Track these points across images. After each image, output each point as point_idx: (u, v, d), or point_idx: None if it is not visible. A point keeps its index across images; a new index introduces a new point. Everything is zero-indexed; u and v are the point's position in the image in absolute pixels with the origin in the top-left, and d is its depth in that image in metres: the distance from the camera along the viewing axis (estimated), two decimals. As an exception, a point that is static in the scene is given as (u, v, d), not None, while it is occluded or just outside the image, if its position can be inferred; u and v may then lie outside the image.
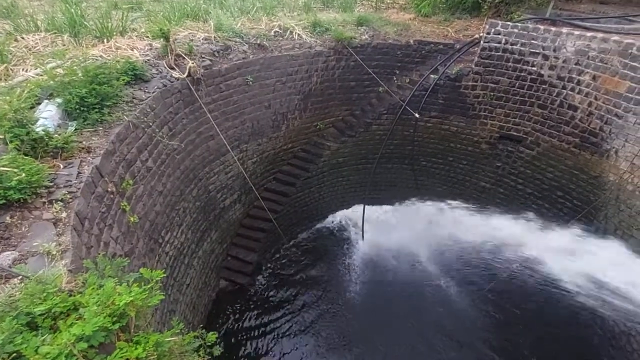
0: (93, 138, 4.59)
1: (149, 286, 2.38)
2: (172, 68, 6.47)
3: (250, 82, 8.13)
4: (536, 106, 8.98)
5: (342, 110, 10.54)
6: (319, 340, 8.33)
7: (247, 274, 9.31)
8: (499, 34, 8.77)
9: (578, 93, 8.15)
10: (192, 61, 6.69)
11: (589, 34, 7.78)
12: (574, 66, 8.04)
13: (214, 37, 7.76)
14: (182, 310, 6.68)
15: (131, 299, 2.20)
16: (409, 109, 9.69)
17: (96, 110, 4.83)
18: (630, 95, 7.24)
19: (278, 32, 8.93)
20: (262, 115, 8.91)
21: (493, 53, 8.97)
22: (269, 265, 10.19)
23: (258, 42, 8.32)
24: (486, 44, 8.96)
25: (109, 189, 4.42)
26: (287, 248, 10.74)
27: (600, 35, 7.63)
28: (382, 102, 10.24)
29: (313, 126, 10.33)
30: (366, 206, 10.75)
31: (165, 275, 2.71)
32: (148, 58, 6.40)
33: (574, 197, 8.72)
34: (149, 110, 5.59)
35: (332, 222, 11.58)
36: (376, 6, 12.09)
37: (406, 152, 10.75)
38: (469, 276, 9.61)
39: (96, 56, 6.04)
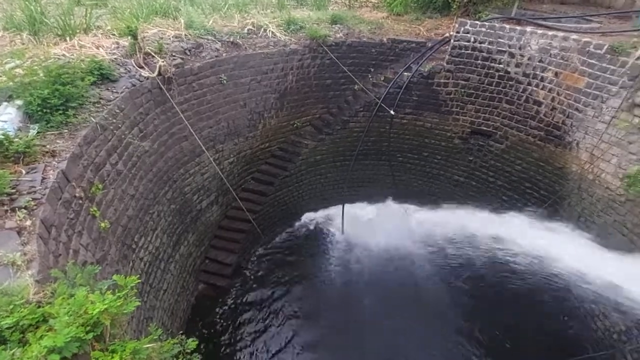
0: (58, 141, 4.37)
1: (123, 293, 2.30)
2: (141, 67, 6.24)
3: (225, 81, 7.99)
4: (504, 102, 9.37)
5: (319, 108, 10.56)
6: (302, 340, 8.31)
7: (226, 276, 9.17)
8: (468, 33, 9.07)
9: (542, 89, 8.58)
10: (163, 60, 6.49)
11: (550, 32, 8.20)
12: (537, 63, 8.45)
13: (185, 34, 7.55)
14: (159, 317, 6.50)
15: (105, 307, 2.13)
16: (384, 106, 9.85)
17: (60, 112, 4.59)
18: (588, 90, 7.70)
19: (252, 29, 8.81)
20: (238, 115, 8.78)
21: (463, 51, 9.27)
22: (249, 266, 10.08)
23: (231, 40, 8.18)
24: (456, 42, 9.24)
25: (77, 194, 4.21)
26: (267, 248, 10.66)
27: (561, 34, 8.06)
28: (358, 99, 10.34)
29: (290, 125, 10.29)
30: (345, 203, 10.85)
31: (140, 281, 2.63)
32: (115, 57, 6.15)
33: (540, 188, 9.18)
34: (117, 111, 5.37)
35: (312, 219, 11.60)
36: (349, 4, 12.18)
37: (383, 148, 10.93)
38: (446, 267, 9.90)
39: (58, 55, 5.73)
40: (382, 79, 10.25)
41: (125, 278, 2.43)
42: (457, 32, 9.17)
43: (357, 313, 8.88)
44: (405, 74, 9.79)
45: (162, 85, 6.41)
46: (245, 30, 8.67)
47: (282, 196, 10.70)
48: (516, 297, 8.55)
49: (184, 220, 7.86)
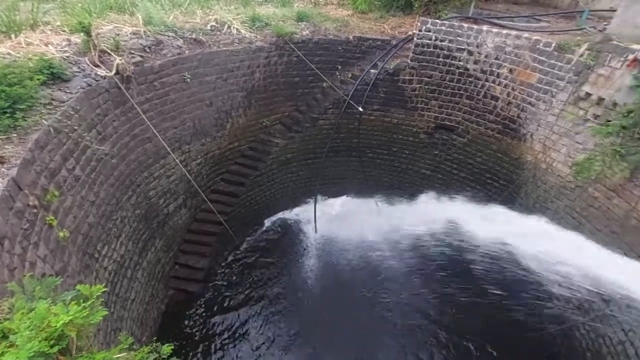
0: (6, 146, 4.02)
1: (89, 303, 2.18)
2: (97, 65, 5.88)
3: (188, 79, 7.72)
4: (465, 97, 9.83)
5: (288, 106, 10.50)
6: (277, 341, 8.24)
7: (198, 281, 8.91)
8: (430, 31, 9.40)
9: (498, 85, 9.09)
10: (120, 58, 6.14)
11: (504, 31, 8.69)
12: (494, 60, 8.94)
13: (144, 31, 7.20)
14: (128, 327, 6.19)
15: (70, 318, 2.01)
16: (352, 103, 9.98)
17: (7, 114, 4.23)
18: (540, 85, 8.26)
19: (215, 26, 8.57)
20: (204, 114, 8.52)
21: (425, 49, 9.59)
22: (222, 269, 9.85)
23: (194, 36, 7.91)
24: (419, 40, 9.55)
25: (31, 203, 3.91)
26: (240, 250, 10.46)
27: (514, 32, 8.57)
28: (326, 97, 10.40)
29: (259, 123, 10.15)
30: (317, 200, 10.89)
31: (106, 290, 2.50)
32: (67, 55, 5.74)
33: (500, 178, 9.74)
34: (72, 112, 5.03)
35: (285, 218, 11.55)
36: (315, 2, 12.18)
37: (353, 145, 11.08)
38: (417, 257, 10.23)
39: (3, 54, 5.27)
40: (350, 76, 10.37)
41: (90, 287, 2.29)
42: (420, 31, 9.47)
43: (332, 312, 8.90)
44: (372, 71, 9.97)
45: (120, 85, 6.07)
46: (209, 27, 8.41)
47: (253, 196, 10.55)
48: (482, 281, 9.01)
49: (150, 225, 7.53)
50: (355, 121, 10.57)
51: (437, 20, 9.39)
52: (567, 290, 7.61)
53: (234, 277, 9.65)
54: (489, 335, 8.43)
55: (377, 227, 10.59)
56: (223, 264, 9.96)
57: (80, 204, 5.05)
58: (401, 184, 11.62)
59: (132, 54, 6.59)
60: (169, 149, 7.43)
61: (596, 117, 7.30)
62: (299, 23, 9.85)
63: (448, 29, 9.24)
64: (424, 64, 9.78)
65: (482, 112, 9.65)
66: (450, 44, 9.32)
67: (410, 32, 10.06)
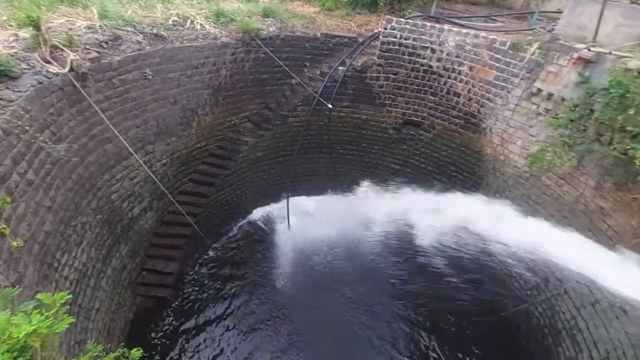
0: (-58, 150, 3.65)
1: (52, 311, 2.05)
2: (49, 62, 5.47)
3: (150, 76, 7.38)
4: (429, 94, 10.20)
5: (257, 104, 10.34)
6: (252, 344, 8.14)
7: (168, 286, 8.59)
8: (395, 30, 9.65)
9: (460, 82, 9.53)
10: (74, 53, 5.76)
11: (464, 30, 9.11)
12: (455, 58, 9.35)
13: (99, 25, 6.78)
14: (94, 338, 5.86)
15: (33, 328, 1.89)
16: (322, 100, 10.03)
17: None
18: (497, 82, 8.76)
19: (177, 21, 8.25)
20: (169, 112, 8.19)
21: (391, 47, 9.83)
22: (193, 272, 9.56)
23: (154, 31, 7.57)
24: (384, 38, 9.77)
25: (-24, 211, 3.58)
26: (212, 251, 10.21)
27: (472, 31, 9.01)
28: (295, 94, 10.36)
29: (227, 121, 9.92)
30: (290, 197, 10.86)
31: (68, 298, 2.37)
32: (14, 51, 5.29)
33: (463, 170, 10.23)
34: (22, 112, 4.65)
35: (257, 217, 11.40)
36: (281, -2, 12.05)
37: (323, 141, 11.14)
38: (388, 248, 10.51)
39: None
40: (318, 73, 10.40)
41: (53, 295, 2.16)
42: (385, 29, 9.69)
43: (307, 312, 8.90)
44: (340, 68, 10.07)
45: (75, 82, 5.69)
46: (170, 22, 8.08)
47: (224, 196, 10.32)
48: (448, 266, 9.48)
49: (114, 230, 7.15)
50: (325, 118, 10.64)
51: (401, 19, 9.66)
52: (524, 272, 8.19)
53: (206, 280, 9.41)
54: (452, 320, 8.89)
55: (348, 221, 10.75)
56: (194, 267, 9.67)
57: (35, 211, 4.69)
58: (372, 179, 11.82)
59: (88, 49, 6.20)
60: (131, 150, 7.08)
61: (547, 111, 7.86)
62: (265, 19, 9.72)
63: (412, 28, 9.53)
64: (390, 61, 10.02)
65: (446, 108, 10.08)
66: (414, 42, 9.62)
67: (376, 30, 10.26)
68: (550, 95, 7.74)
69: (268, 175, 11.17)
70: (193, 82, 8.46)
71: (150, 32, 7.50)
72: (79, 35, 6.29)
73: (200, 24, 8.52)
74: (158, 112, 7.89)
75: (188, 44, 8.01)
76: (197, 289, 9.14)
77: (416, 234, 9.24)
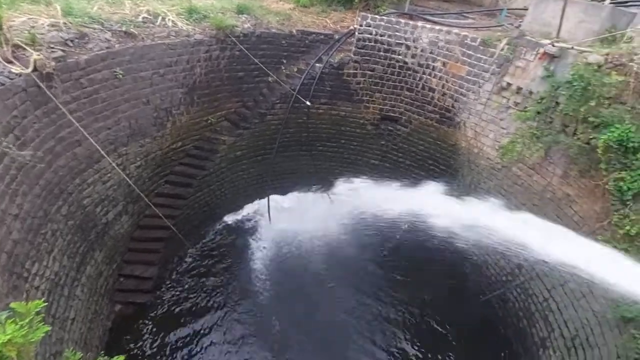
0: None
1: (27, 320, 1.98)
2: (10, 62, 5.17)
3: (121, 76, 7.12)
4: (405, 90, 10.39)
5: (233, 102, 10.19)
6: (236, 345, 8.03)
7: (147, 291, 8.36)
8: (370, 26, 9.75)
9: (434, 77, 9.76)
10: (38, 53, 5.46)
11: (437, 27, 9.33)
12: (429, 55, 9.56)
13: (64, 23, 6.45)
14: (71, 350, 5.62)
15: (8, 337, 1.83)
16: (300, 97, 10.00)
17: None
18: (469, 77, 9.04)
19: (147, 18, 7.98)
20: (141, 113, 7.93)
21: (367, 43, 9.93)
22: (173, 276, 9.34)
23: (124, 29, 7.29)
24: (360, 35, 9.85)
25: None
26: (192, 253, 10.00)
27: (445, 28, 9.24)
28: (273, 91, 10.28)
29: (204, 121, 9.72)
30: (270, 195, 10.82)
31: (43, 306, 2.28)
32: (-31, 48, 4.96)
33: (440, 163, 10.51)
34: (-20, 115, 4.38)
35: (238, 217, 11.27)
36: (255, -6, 11.88)
37: (302, 139, 11.13)
38: (370, 240, 10.65)
39: None
40: (295, 70, 10.37)
41: (27, 304, 2.08)
42: (360, 25, 9.78)
43: (292, 311, 8.83)
44: (317, 65, 10.07)
45: (40, 83, 5.41)
46: (140, 19, 7.81)
47: (203, 197, 10.13)
48: (428, 257, 9.71)
49: (88, 236, 6.87)
50: (304, 115, 10.63)
51: (376, 16, 9.76)
52: (499, 259, 8.54)
53: (187, 283, 9.22)
54: (431, 308, 9.18)
55: (330, 217, 10.83)
56: (174, 271, 9.45)
57: (1, 219, 4.44)
58: (351, 175, 11.93)
59: (52, 48, 5.89)
60: (103, 152, 6.81)
61: (516, 104, 8.20)
62: (240, 16, 9.57)
63: (387, 24, 9.66)
64: (366, 57, 10.12)
65: (422, 103, 10.30)
66: (389, 39, 9.76)
67: (352, 27, 10.32)
68: (519, 89, 8.07)
69: (248, 175, 11.05)
70: (166, 80, 8.23)
71: (119, 29, 7.22)
72: (42, 34, 5.97)
73: (172, 21, 8.29)
74: (130, 112, 7.63)
75: (160, 42, 7.77)
76: (177, 292, 8.94)
77: (395, 226, 9.42)
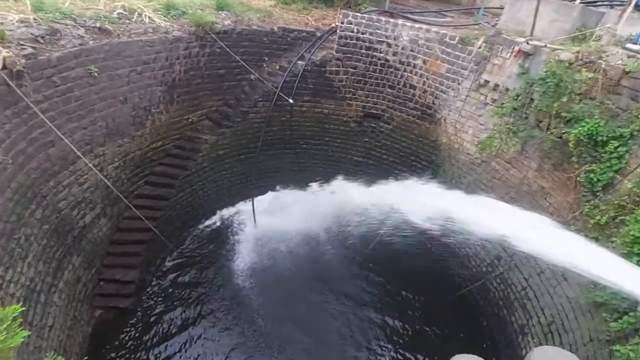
0: None
1: (4, 326, 1.90)
2: (-26, 58, 4.89)
3: (96, 73, 6.87)
4: (387, 87, 10.51)
5: (215, 101, 10.03)
6: (221, 346, 7.91)
7: (129, 295, 8.14)
8: (351, 24, 9.79)
9: (415, 75, 9.92)
10: (7, 50, 5.20)
11: (417, 25, 9.47)
12: (409, 52, 9.70)
13: (34, 18, 6.18)
14: (52, 354, 5.42)
15: (-13, 343, 1.74)
16: (282, 95, 9.95)
17: None
18: (448, 74, 9.24)
19: (123, 14, 7.74)
20: (119, 112, 7.70)
21: (349, 41, 9.97)
22: (156, 278, 9.13)
23: (98, 25, 7.04)
24: (342, 32, 9.88)
25: None
26: (175, 255, 9.80)
27: (424, 26, 9.39)
28: (255, 89, 10.18)
29: (184, 120, 9.52)
30: (254, 195, 10.71)
31: (21, 311, 2.20)
32: None
33: (422, 159, 10.70)
34: (-57, 115, 4.14)
35: (222, 217, 11.12)
36: (235, -10, 11.70)
37: (286, 137, 11.09)
38: (355, 237, 10.71)
39: None
40: (278, 67, 10.30)
41: (4, 309, 2.00)
42: (342, 23, 9.80)
43: (277, 312, 8.75)
44: (300, 62, 10.04)
45: (9, 82, 5.15)
46: (115, 15, 7.56)
47: (185, 197, 9.93)
48: (411, 250, 9.82)
49: (64, 241, 6.63)
50: (287, 113, 10.58)
51: (357, 14, 9.82)
52: (480, 251, 8.80)
53: (170, 286, 9.03)
54: (417, 302, 9.38)
55: (315, 216, 10.84)
56: (156, 273, 9.24)
57: (-32, 225, 4.22)
58: (336, 173, 11.98)
59: (22, 45, 5.63)
60: (78, 153, 6.57)
61: (494, 101, 8.45)
62: (219, 12, 9.41)
63: (368, 22, 9.72)
64: (348, 55, 10.17)
65: (404, 100, 10.45)
66: (371, 37, 9.84)
67: (333, 25, 10.34)
68: (496, 86, 8.31)
69: (231, 174, 10.91)
70: (144, 78, 8.01)
71: (93, 25, 6.97)
72: (11, 30, 5.69)
73: (149, 17, 8.06)
74: (107, 111, 7.38)
75: (137, 38, 7.55)
76: (161, 296, 8.74)
77: (379, 220, 9.51)
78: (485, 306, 8.88)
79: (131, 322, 8.02)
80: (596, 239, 5.89)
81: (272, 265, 9.96)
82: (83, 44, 6.58)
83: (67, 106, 6.47)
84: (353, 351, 8.27)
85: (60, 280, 6.40)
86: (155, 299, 8.65)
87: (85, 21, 6.92)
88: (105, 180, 7.35)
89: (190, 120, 9.62)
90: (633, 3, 7.27)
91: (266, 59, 10.19)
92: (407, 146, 10.90)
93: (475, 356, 1.74)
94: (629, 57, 6.22)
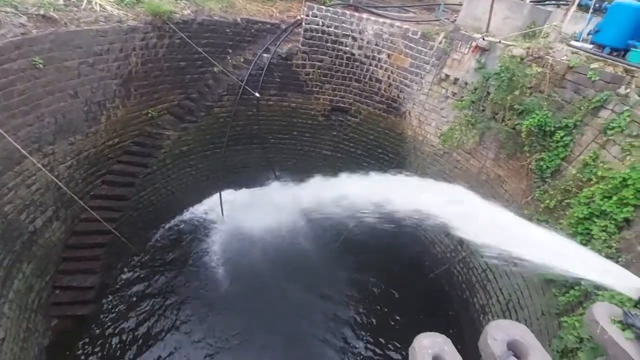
0: None
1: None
2: None
3: (41, 65, 6.31)
4: (354, 81, 10.62)
5: (176, 94, 9.61)
6: (192, 347, 7.71)
7: (89, 302, 7.67)
8: (317, 17, 9.74)
9: (380, 68, 10.08)
10: None
11: (381, 19, 9.61)
12: (374, 46, 9.84)
13: (-37, 2, 5.54)
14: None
15: None
16: (248, 88, 9.73)
17: None
18: (412, 69, 9.49)
19: (70, 1, 7.14)
20: (69, 107, 7.14)
21: (314, 34, 9.92)
22: (119, 282, 8.69)
23: (42, 12, 6.45)
24: (307, 25, 9.80)
25: None
26: (139, 257, 9.37)
27: (388, 21, 9.55)
28: (219, 82, 9.87)
29: (143, 115, 9.05)
30: (223, 190, 10.47)
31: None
32: None
33: (389, 152, 10.97)
34: None
35: (189, 215, 10.77)
36: (193, -21, 11.19)
37: (253, 131, 10.88)
38: (325, 230, 10.80)
39: None
40: (242, 60, 10.04)
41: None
42: (307, 16, 9.72)
43: (248, 309, 8.61)
44: (265, 55, 9.85)
45: None
46: (62, 2, 6.97)
47: (147, 196, 9.49)
48: (380, 239, 10.05)
49: (12, 248, 6.10)
50: (254, 107, 10.38)
51: (322, 7, 9.78)
52: (444, 238, 9.22)
53: (134, 290, 8.63)
54: (384, 290, 9.68)
55: (285, 210, 10.81)
56: (119, 277, 8.79)
57: None
58: (305, 167, 12.00)
59: (-52, 31, 5.02)
60: (24, 152, 6.03)
61: (454, 94, 8.81)
62: (178, 1, 8.97)
63: (333, 15, 9.72)
64: (314, 48, 10.12)
65: (370, 94, 10.61)
66: (336, 30, 9.85)
67: (298, 17, 10.22)
68: (456, 80, 8.67)
69: (196, 171, 10.56)
70: (97, 71, 7.49)
71: (37, 13, 6.37)
72: None
73: (100, 5, 7.52)
74: (55, 106, 6.83)
75: (86, 28, 7.01)
76: (124, 301, 8.32)
77: (348, 213, 9.65)
78: (450, 290, 9.36)
79: (91, 330, 7.59)
80: (546, 222, 6.38)
81: (242, 262, 9.80)
82: (25, 34, 6.01)
83: (9, 101, 5.90)
84: (323, 342, 8.38)
85: (9, 290, 5.90)
86: (117, 304, 8.23)
87: (28, 8, 6.31)
88: (57, 181, 6.83)
89: (150, 115, 9.16)
90: (576, 3, 7.86)
91: (230, 51, 9.89)
92: (375, 139, 11.12)
93: (437, 333, 1.85)
94: (572, 53, 6.72)
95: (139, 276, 8.97)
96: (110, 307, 8.13)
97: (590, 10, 7.86)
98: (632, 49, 6.42)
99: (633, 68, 6.01)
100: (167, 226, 10.42)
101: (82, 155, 7.75)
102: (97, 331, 7.62)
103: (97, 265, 7.92)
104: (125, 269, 9.01)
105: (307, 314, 8.90)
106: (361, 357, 8.19)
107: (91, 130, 7.82)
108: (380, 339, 8.60)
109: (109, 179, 8.62)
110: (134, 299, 8.43)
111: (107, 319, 7.90)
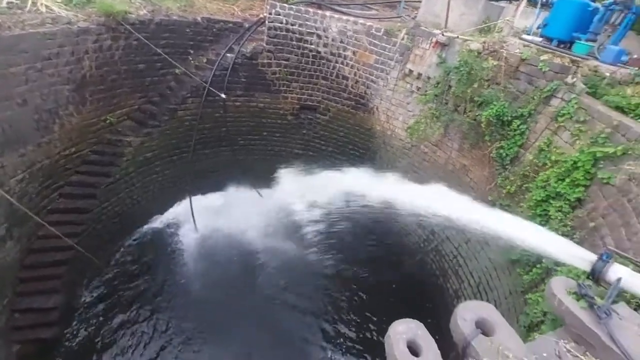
0: None
1: None
2: None
3: (-19, 72, 5.80)
4: (321, 78, 10.64)
5: (136, 99, 9.17)
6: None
7: (53, 324, 7.18)
8: (280, 15, 9.65)
9: (346, 66, 10.18)
10: None
11: (344, 17, 9.69)
12: (339, 44, 9.91)
13: None
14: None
15: None
16: (213, 90, 9.47)
17: None
18: (377, 65, 9.66)
19: (13, 2, 6.59)
20: (17, 116, 6.60)
21: (279, 32, 9.83)
22: (84, 301, 8.19)
23: (-21, 14, 5.91)
24: (271, 23, 9.69)
25: None
26: (105, 272, 8.87)
27: (352, 18, 9.65)
28: (182, 85, 9.53)
29: (101, 121, 8.55)
30: (192, 196, 10.14)
31: None
32: None
33: (359, 147, 11.12)
34: None
35: (157, 224, 10.34)
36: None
37: (221, 134, 10.62)
38: (302, 229, 10.76)
39: None
40: (205, 61, 9.76)
41: None
42: (270, 14, 9.61)
43: (224, 321, 8.41)
44: (228, 55, 9.63)
45: None
46: (4, 4, 6.42)
47: (111, 207, 9.00)
48: (357, 231, 10.22)
49: (-41, 272, 5.57)
50: (220, 109, 10.13)
51: (285, 4, 9.69)
52: (417, 228, 9.50)
53: (102, 306, 8.20)
54: (362, 281, 9.86)
55: (259, 212, 10.66)
56: (84, 295, 8.29)
57: None
58: (277, 167, 11.86)
59: None
60: (-33, 167, 5.52)
61: (418, 89, 9.08)
62: (133, 1, 8.54)
63: (296, 14, 9.68)
64: (279, 47, 10.03)
65: (337, 91, 10.69)
66: (301, 28, 9.82)
67: (261, 15, 10.07)
68: (419, 75, 8.93)
69: (163, 177, 10.16)
70: (46, 76, 6.97)
71: (-29, 14, 5.82)
72: None
73: (46, 6, 6.99)
74: (1, 115, 6.28)
75: (32, 31, 6.50)
76: (91, 320, 7.88)
77: (326, 210, 9.69)
78: (425, 277, 9.66)
79: (59, 352, 7.14)
80: (508, 206, 6.75)
81: (215, 270, 9.52)
82: (-41, 37, 5.49)
83: (-56, 112, 5.37)
84: (303, 336, 8.40)
85: (-42, 320, 5.38)
86: (84, 324, 7.79)
87: (-40, 9, 5.76)
88: (7, 196, 6.30)
89: (108, 121, 8.67)
90: (525, -2, 8.34)
91: (192, 51, 9.57)
92: (345, 135, 11.22)
93: (410, 319, 1.91)
94: (524, 46, 7.14)
95: (106, 292, 8.51)
96: (76, 327, 7.66)
97: (539, 6, 8.36)
98: (576, 41, 6.93)
99: (578, 58, 6.49)
100: (134, 237, 9.95)
101: (35, 167, 7.20)
102: (64, 354, 7.17)
103: (59, 284, 7.42)
104: (91, 285, 8.51)
105: (283, 312, 8.84)
106: (342, 349, 8.29)
107: (44, 140, 7.27)
108: (356, 330, 8.75)
109: (67, 191, 8.08)
110: (102, 317, 8.00)
111: (74, 340, 7.45)
